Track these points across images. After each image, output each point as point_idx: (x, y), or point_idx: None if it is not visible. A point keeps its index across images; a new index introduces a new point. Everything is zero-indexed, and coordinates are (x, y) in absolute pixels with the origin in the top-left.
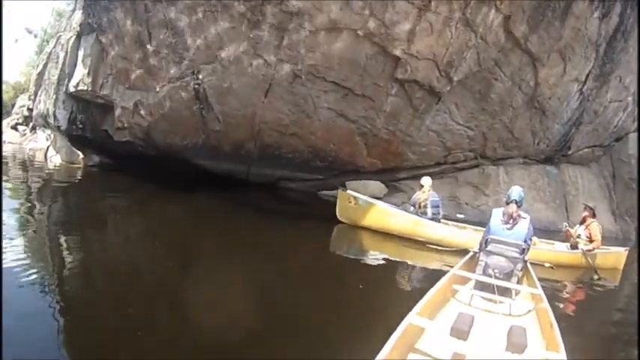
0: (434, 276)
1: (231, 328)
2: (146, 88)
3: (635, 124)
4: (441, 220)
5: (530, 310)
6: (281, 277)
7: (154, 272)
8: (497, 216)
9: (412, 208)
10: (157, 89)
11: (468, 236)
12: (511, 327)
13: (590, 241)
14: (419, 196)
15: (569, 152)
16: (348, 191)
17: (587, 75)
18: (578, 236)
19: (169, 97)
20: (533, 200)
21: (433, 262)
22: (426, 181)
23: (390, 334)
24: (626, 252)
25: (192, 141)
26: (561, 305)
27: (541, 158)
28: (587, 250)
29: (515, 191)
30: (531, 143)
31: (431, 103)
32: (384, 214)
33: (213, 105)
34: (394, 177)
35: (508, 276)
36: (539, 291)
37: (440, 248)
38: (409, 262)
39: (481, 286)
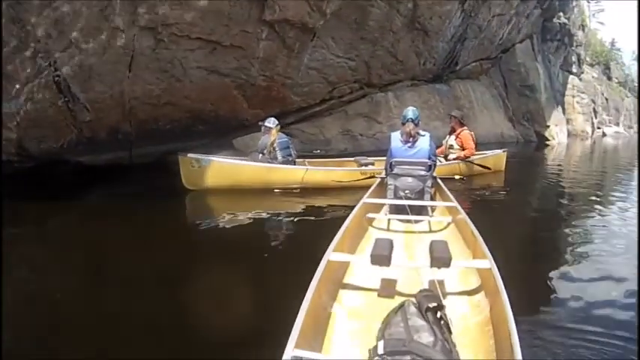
0: (321, 215)
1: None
2: (5, 96)
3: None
4: (297, 161)
5: (449, 224)
6: (185, 275)
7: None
8: (396, 138)
9: (261, 155)
10: (17, 94)
11: (329, 171)
12: (431, 242)
13: (463, 149)
14: (266, 140)
15: (457, 68)
16: (189, 155)
17: None
18: (451, 147)
19: (31, 99)
20: (428, 119)
21: (310, 204)
22: (271, 122)
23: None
24: (505, 153)
25: (66, 139)
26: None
27: (429, 78)
28: (458, 157)
29: (410, 111)
30: (417, 64)
31: (306, 40)
32: (231, 170)
33: (78, 94)
34: (282, 123)
35: (420, 194)
36: (455, 204)
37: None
38: (283, 211)
39: (396, 210)
